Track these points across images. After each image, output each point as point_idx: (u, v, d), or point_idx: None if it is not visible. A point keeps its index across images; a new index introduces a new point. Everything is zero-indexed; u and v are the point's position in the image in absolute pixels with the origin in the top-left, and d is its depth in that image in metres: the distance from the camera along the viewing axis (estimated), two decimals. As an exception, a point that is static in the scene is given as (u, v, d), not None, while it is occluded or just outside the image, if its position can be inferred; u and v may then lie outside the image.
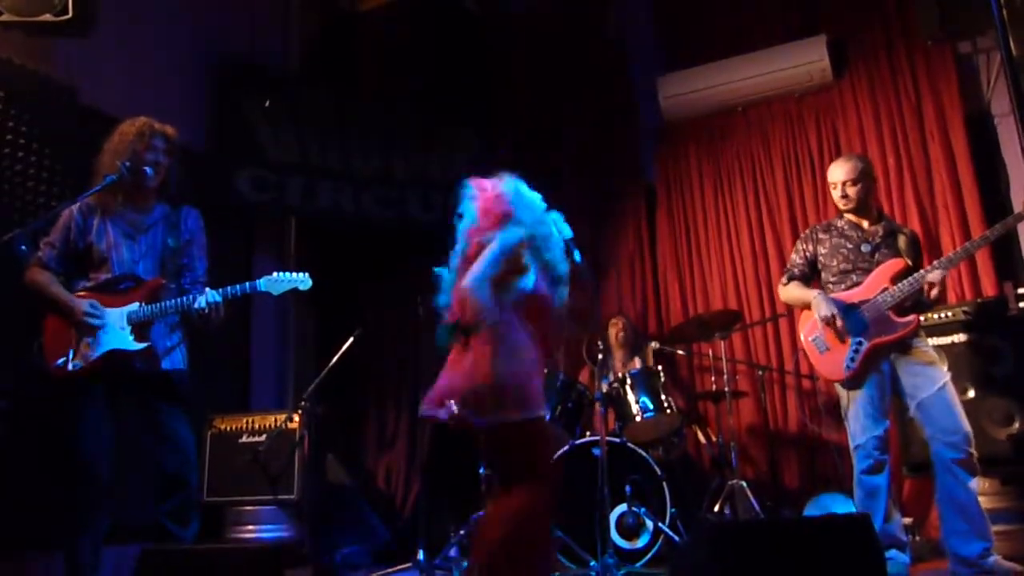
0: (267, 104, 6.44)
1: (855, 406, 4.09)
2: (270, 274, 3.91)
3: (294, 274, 3.94)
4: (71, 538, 3.64)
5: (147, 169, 3.82)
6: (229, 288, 3.77)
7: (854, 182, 4.27)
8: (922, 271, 4.04)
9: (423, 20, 7.46)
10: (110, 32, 5.20)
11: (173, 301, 3.73)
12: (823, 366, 4.20)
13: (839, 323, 4.09)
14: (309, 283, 3.96)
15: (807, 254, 4.42)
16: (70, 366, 3.63)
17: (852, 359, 4.05)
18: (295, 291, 3.83)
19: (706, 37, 6.89)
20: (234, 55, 6.52)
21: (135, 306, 3.71)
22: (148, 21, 5.80)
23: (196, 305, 3.69)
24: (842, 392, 4.19)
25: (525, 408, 2.90)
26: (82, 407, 3.66)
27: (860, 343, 4.05)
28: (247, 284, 3.81)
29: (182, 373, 3.88)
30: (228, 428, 5.27)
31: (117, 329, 3.67)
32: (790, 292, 4.46)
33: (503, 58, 7.59)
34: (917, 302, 4.13)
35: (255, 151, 6.41)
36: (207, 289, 3.75)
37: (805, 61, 6.25)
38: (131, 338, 3.68)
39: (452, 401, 2.88)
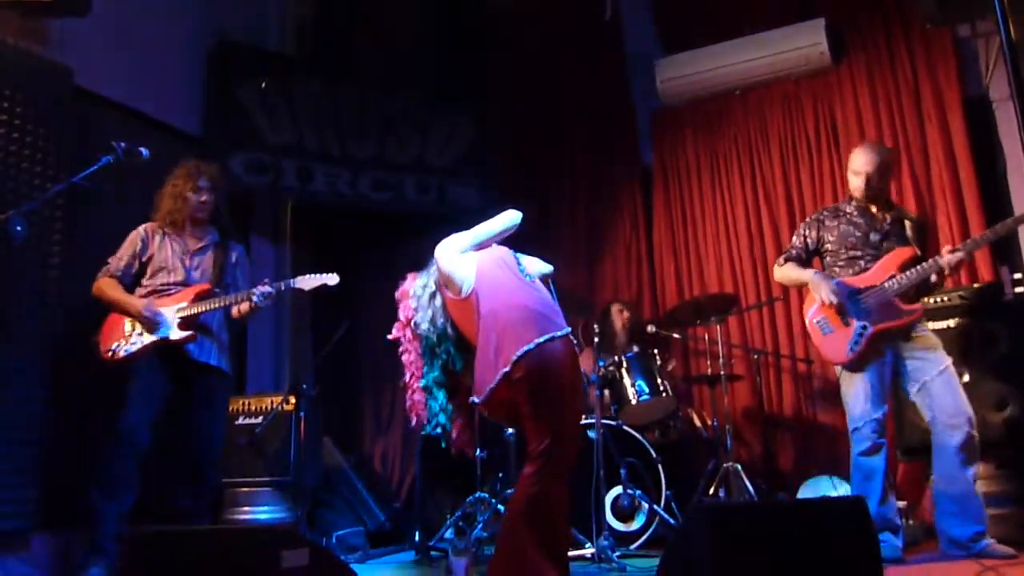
0: (263, 86, 6.41)
1: (855, 389, 4.11)
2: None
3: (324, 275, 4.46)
4: (99, 500, 3.98)
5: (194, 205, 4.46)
6: (274, 284, 4.32)
7: (879, 174, 4.30)
8: (936, 257, 4.06)
9: (420, 2, 7.42)
10: (107, 13, 5.18)
11: (218, 298, 4.29)
12: (826, 348, 4.21)
13: (839, 301, 4.10)
14: (336, 279, 4.46)
15: (809, 240, 4.43)
16: (122, 352, 4.17)
17: (856, 342, 4.06)
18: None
19: (704, 20, 6.85)
20: (231, 37, 6.47)
21: (183, 303, 4.26)
22: (145, 2, 5.76)
23: (255, 297, 4.22)
24: (842, 375, 4.21)
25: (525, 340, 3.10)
26: (132, 384, 4.17)
27: (865, 327, 4.06)
28: (283, 282, 4.38)
29: (228, 376, 4.45)
30: (225, 410, 5.27)
31: (167, 322, 4.22)
32: (785, 271, 4.48)
33: (500, 42, 7.55)
34: (921, 287, 4.15)
35: (251, 134, 6.36)
36: (259, 286, 4.27)
37: (803, 44, 6.21)
38: (175, 329, 4.21)
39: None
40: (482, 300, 3.27)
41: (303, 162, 6.51)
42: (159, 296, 4.30)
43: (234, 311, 4.43)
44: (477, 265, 3.37)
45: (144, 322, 4.18)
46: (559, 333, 3.16)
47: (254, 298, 4.20)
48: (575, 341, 3.36)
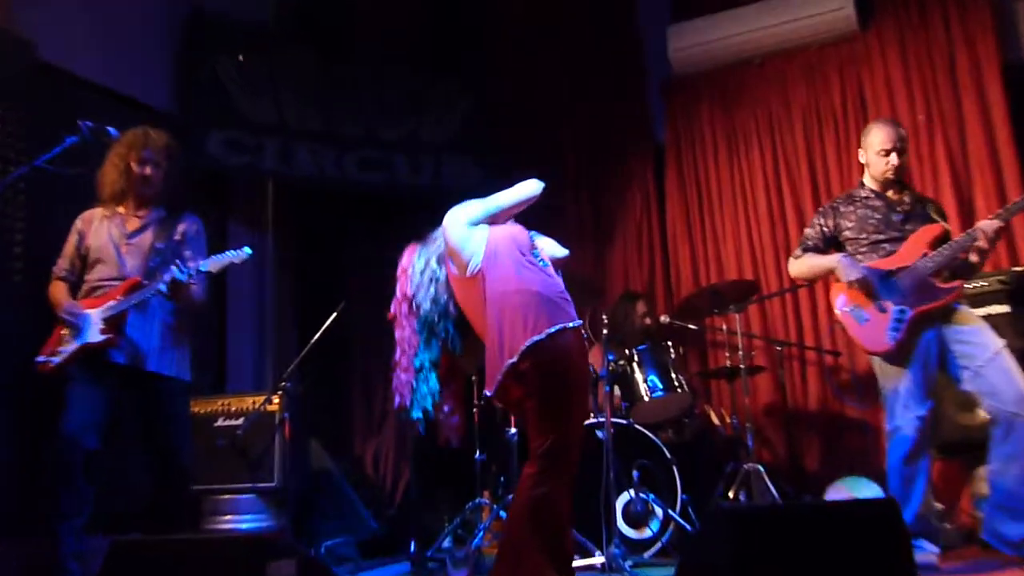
0: (241, 59, 6.40)
1: (896, 384, 4.09)
2: (243, 245, 4.24)
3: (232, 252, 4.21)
4: (54, 521, 3.89)
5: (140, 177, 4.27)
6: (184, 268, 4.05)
7: (905, 151, 4.30)
8: (973, 228, 4.05)
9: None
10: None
11: (139, 292, 4.06)
12: (864, 338, 4.18)
13: (871, 285, 4.09)
14: (248, 253, 4.20)
15: (825, 229, 4.41)
16: (52, 363, 4.07)
17: (896, 328, 4.04)
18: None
19: (720, -18, 6.86)
20: (206, 6, 6.46)
21: (111, 303, 4.06)
22: (112, -31, 5.77)
23: (159, 287, 4.01)
24: (880, 368, 4.18)
25: (533, 330, 3.11)
26: (70, 390, 4.05)
27: (903, 311, 4.04)
28: (193, 264, 4.09)
29: (175, 381, 4.24)
30: (203, 411, 5.28)
31: (91, 325, 4.04)
32: (804, 263, 4.46)
33: (499, 7, 7.53)
34: (957, 269, 4.14)
35: (229, 111, 6.37)
36: (167, 272, 4.02)
37: (828, 9, 6.19)
38: (98, 332, 4.02)
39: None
40: (489, 281, 3.26)
41: (285, 140, 6.51)
42: (94, 296, 4.15)
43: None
44: (488, 241, 3.35)
45: (66, 325, 4.09)
46: (571, 324, 3.17)
47: (160, 287, 4.00)
48: (584, 335, 3.36)
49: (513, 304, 3.17)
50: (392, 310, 3.58)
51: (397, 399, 3.53)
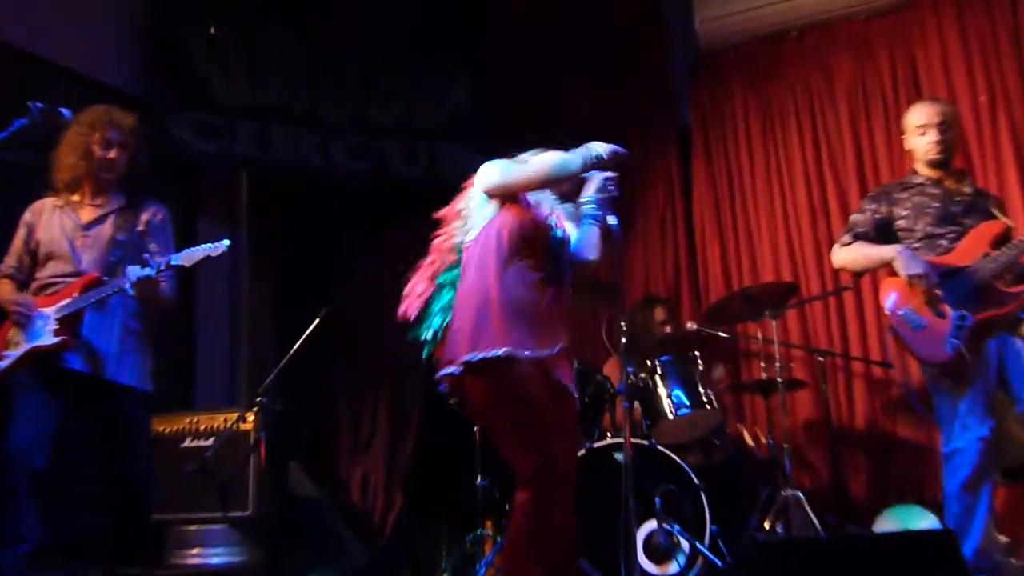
0: (212, 31, 6.40)
1: (953, 401, 4.06)
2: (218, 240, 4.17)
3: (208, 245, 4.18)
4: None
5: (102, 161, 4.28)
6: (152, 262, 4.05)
7: (949, 126, 4.28)
8: None
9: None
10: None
11: (97, 289, 4.05)
12: (919, 346, 4.15)
13: (932, 283, 4.05)
14: (225, 245, 4.16)
15: (877, 216, 4.38)
16: None
17: (956, 336, 4.00)
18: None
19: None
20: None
21: (66, 301, 4.07)
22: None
23: (123, 284, 4.00)
24: (935, 383, 4.15)
25: (490, 345, 3.06)
26: (16, 400, 4.07)
27: (963, 317, 4.01)
28: (162, 259, 4.07)
29: (135, 393, 4.22)
30: (168, 430, 5.29)
31: (42, 326, 4.05)
32: (854, 251, 4.41)
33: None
34: (1022, 273, 4.12)
35: (199, 91, 6.39)
36: (130, 269, 4.01)
37: (876, -27, 6.22)
38: (51, 333, 4.03)
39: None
40: (468, 264, 3.26)
41: (263, 124, 6.52)
42: (46, 294, 4.16)
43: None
44: (489, 222, 3.33)
45: (15, 324, 4.09)
46: (526, 353, 3.09)
47: (125, 287, 3.99)
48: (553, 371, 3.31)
49: (472, 305, 3.17)
50: (444, 211, 3.55)
51: (401, 308, 3.45)
